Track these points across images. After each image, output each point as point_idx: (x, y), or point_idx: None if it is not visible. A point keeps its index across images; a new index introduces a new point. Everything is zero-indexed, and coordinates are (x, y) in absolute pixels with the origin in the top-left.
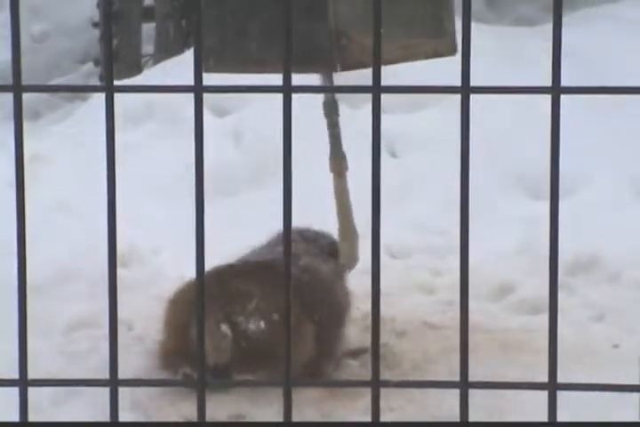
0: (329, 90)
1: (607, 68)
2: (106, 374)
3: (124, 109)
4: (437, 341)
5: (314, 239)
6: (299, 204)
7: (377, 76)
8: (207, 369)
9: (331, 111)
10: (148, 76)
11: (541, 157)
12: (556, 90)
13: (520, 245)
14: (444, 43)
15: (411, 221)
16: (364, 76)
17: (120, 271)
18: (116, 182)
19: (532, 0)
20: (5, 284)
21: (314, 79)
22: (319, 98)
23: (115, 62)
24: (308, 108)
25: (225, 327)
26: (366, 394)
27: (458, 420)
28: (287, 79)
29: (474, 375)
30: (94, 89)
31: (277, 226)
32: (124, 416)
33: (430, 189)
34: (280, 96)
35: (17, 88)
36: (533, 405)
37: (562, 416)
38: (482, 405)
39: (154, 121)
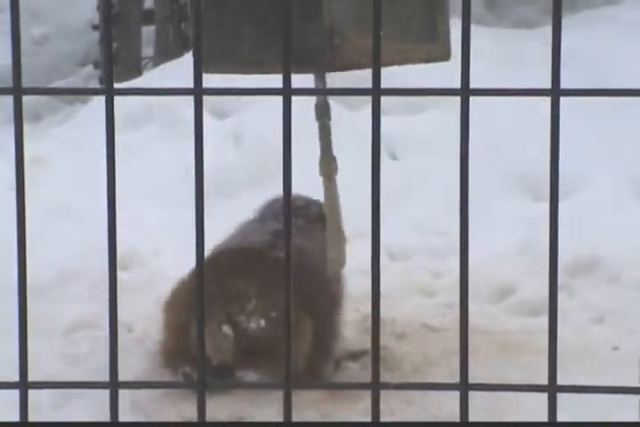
0: (329, 92)
1: (607, 70)
2: (106, 376)
3: (124, 112)
4: (437, 343)
5: (304, 206)
6: None
7: (377, 78)
8: (210, 368)
9: (322, 114)
10: (148, 79)
11: (541, 158)
12: (555, 92)
13: (520, 247)
14: (438, 48)
15: (411, 222)
16: (359, 78)
17: (120, 273)
18: (116, 185)
19: (531, 2)
20: (6, 286)
21: (310, 81)
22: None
23: (115, 65)
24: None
25: (227, 328)
26: (366, 396)
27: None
28: (287, 81)
29: (474, 377)
30: (94, 91)
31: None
32: (124, 418)
33: (430, 191)
34: (279, 98)
35: (17, 90)
36: (534, 406)
37: (562, 417)
38: (482, 407)
39: (154, 123)
